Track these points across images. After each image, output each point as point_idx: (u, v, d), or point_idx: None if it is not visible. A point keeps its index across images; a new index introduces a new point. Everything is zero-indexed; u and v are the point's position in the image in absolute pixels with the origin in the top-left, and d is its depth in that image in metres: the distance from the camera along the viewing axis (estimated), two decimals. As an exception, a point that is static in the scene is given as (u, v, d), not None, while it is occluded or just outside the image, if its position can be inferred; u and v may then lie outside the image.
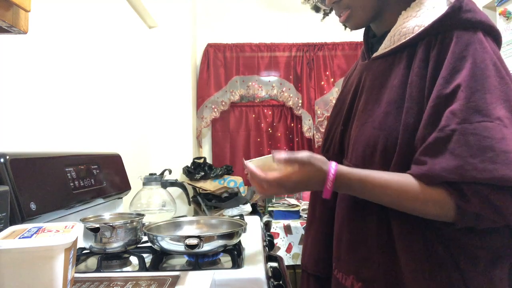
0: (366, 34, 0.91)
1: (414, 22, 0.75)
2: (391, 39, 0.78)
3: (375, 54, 0.84)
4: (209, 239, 0.91)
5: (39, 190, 0.96)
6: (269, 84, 2.98)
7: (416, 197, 0.68)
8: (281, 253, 2.33)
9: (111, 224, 0.96)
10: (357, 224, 0.79)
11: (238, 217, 1.33)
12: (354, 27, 0.86)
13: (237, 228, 1.01)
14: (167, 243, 0.92)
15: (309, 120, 2.93)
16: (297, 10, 3.03)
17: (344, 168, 0.73)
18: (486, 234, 0.70)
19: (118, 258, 0.99)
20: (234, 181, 2.70)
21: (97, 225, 0.94)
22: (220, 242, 0.93)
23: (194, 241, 0.87)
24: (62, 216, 1.06)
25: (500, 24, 2.14)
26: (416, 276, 0.70)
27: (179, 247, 0.90)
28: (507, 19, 2.10)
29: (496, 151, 0.62)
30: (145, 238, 1.08)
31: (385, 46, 0.80)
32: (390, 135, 0.73)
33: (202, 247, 0.88)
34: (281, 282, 1.00)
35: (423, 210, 0.69)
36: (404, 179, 0.70)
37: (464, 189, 0.65)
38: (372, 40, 0.89)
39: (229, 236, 0.95)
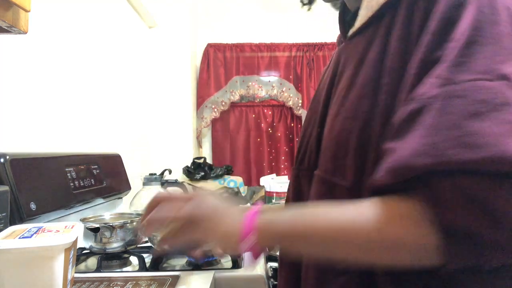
0: (341, 14, 0.74)
1: None
2: (368, 7, 0.59)
3: (351, 31, 0.64)
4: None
5: (39, 190, 0.96)
6: (269, 84, 2.98)
7: (375, 238, 0.45)
8: (281, 253, 2.33)
9: (111, 224, 0.96)
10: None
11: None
12: None
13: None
14: None
15: (309, 120, 2.93)
16: (297, 10, 3.03)
17: (261, 220, 0.53)
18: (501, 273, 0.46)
19: (118, 258, 0.99)
20: (234, 181, 2.70)
21: (97, 225, 0.94)
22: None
23: None
24: (62, 216, 1.06)
25: None
26: None
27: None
28: None
29: (492, 119, 0.40)
30: (145, 238, 1.08)
31: (362, 18, 0.60)
32: (366, 125, 0.53)
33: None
34: (281, 282, 1.00)
35: (389, 257, 0.46)
36: (353, 217, 0.47)
37: (442, 186, 0.41)
38: (348, 18, 0.70)
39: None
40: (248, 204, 0.55)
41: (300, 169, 0.69)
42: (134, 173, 1.77)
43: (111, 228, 0.95)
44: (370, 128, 0.52)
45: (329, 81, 0.67)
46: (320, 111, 0.67)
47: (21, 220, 0.86)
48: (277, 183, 2.78)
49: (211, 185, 2.57)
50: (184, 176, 2.59)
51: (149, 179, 1.53)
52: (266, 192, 2.74)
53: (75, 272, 0.69)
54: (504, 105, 0.41)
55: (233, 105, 2.98)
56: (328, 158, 0.58)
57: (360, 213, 0.47)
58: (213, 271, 0.88)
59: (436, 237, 0.42)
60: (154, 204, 0.60)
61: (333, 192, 0.56)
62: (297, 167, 0.71)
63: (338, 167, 0.56)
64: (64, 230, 0.61)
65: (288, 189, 0.74)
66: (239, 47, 2.95)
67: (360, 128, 0.53)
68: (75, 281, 0.74)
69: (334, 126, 0.58)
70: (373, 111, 0.53)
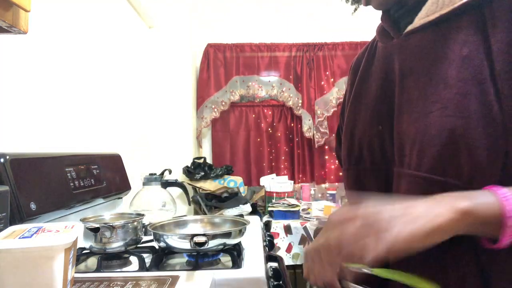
0: (386, 10, 0.71)
1: None
2: (437, 3, 0.58)
3: (410, 27, 0.63)
4: (216, 237, 0.92)
5: (39, 190, 0.96)
6: (269, 84, 2.98)
7: None
8: (281, 253, 2.33)
9: (111, 224, 0.96)
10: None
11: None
12: (379, 6, 0.69)
13: (241, 226, 1.01)
14: (174, 241, 0.93)
15: (309, 120, 2.93)
16: (297, 10, 3.03)
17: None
18: None
19: (118, 258, 0.99)
20: (234, 181, 2.70)
21: (97, 225, 0.94)
22: (226, 240, 0.94)
23: (202, 239, 0.87)
24: (62, 216, 1.06)
25: None
26: None
27: (186, 245, 0.90)
28: None
29: None
30: (145, 238, 1.08)
31: (427, 13, 0.60)
32: (477, 124, 0.52)
33: (209, 245, 0.89)
34: (281, 282, 1.00)
35: None
36: None
37: None
38: (397, 13, 0.68)
39: (234, 234, 0.96)
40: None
41: (360, 169, 0.69)
42: (134, 173, 1.77)
43: (111, 228, 0.95)
44: (480, 126, 0.52)
45: (381, 79, 0.67)
46: (378, 109, 0.67)
47: (21, 220, 0.86)
48: (277, 183, 2.78)
49: (211, 185, 2.57)
50: (184, 176, 2.59)
51: (149, 179, 1.53)
52: (266, 192, 2.74)
53: (75, 272, 0.69)
54: None
55: (233, 105, 2.98)
56: (433, 155, 0.55)
57: None
58: (213, 271, 0.88)
59: None
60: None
61: (446, 191, 0.51)
62: (354, 167, 0.71)
63: (448, 167, 0.54)
64: (64, 230, 0.61)
65: (348, 189, 0.73)
66: (239, 47, 2.95)
67: (469, 124, 0.53)
68: (75, 281, 0.74)
69: (428, 124, 0.56)
70: (481, 109, 0.52)
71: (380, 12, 0.71)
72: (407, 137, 0.59)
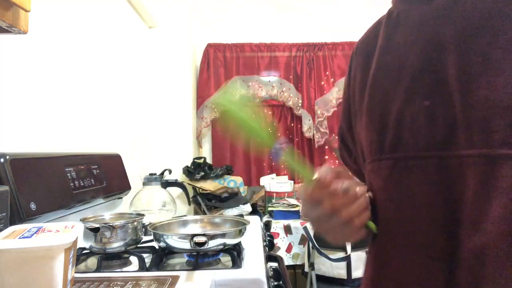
0: None
1: None
2: None
3: None
4: (216, 237, 0.92)
5: (39, 190, 0.96)
6: (269, 84, 2.98)
7: None
8: (281, 253, 2.33)
9: (111, 224, 0.96)
10: None
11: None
12: None
13: (241, 226, 1.01)
14: (174, 241, 0.93)
15: (309, 120, 2.93)
16: (297, 10, 3.03)
17: None
18: None
19: (118, 258, 0.99)
20: (234, 181, 2.70)
21: (97, 225, 0.94)
22: (226, 240, 0.94)
23: (202, 239, 0.87)
24: (62, 216, 1.06)
25: None
26: None
27: (186, 245, 0.90)
28: None
29: None
30: (145, 238, 1.08)
31: None
32: None
33: (209, 245, 0.89)
34: (281, 282, 1.00)
35: None
36: None
37: None
38: None
39: (234, 234, 0.96)
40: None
41: (399, 157, 0.55)
42: (134, 173, 1.77)
43: (111, 228, 0.95)
44: None
45: (422, 45, 0.55)
46: (420, 81, 0.55)
47: (21, 220, 0.86)
48: (277, 183, 2.78)
49: (211, 185, 2.57)
50: (184, 176, 2.59)
51: (149, 179, 1.53)
52: (266, 192, 2.74)
53: (75, 272, 0.69)
54: None
55: (233, 105, 2.98)
56: None
57: None
58: (213, 271, 0.88)
59: None
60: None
61: None
62: (387, 156, 0.57)
63: None
64: (64, 230, 0.61)
65: (382, 184, 0.59)
66: (239, 47, 2.95)
67: None
68: (75, 281, 0.74)
69: None
70: None
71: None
72: (495, 106, 0.47)
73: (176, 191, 1.85)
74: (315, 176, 0.54)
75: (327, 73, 2.96)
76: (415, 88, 0.55)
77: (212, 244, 0.91)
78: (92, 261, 1.00)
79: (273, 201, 2.62)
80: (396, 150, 0.56)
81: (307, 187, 0.54)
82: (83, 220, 1.00)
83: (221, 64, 2.94)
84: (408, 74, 0.56)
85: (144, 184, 1.54)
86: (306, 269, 2.21)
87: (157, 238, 0.96)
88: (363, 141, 0.63)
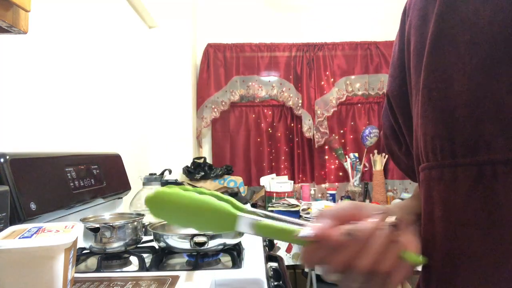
0: None
1: None
2: None
3: None
4: (216, 237, 0.92)
5: (39, 190, 0.96)
6: (269, 84, 2.98)
7: None
8: (281, 253, 2.33)
9: (111, 224, 0.96)
10: None
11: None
12: None
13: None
14: (174, 241, 0.93)
15: (309, 120, 2.93)
16: (297, 10, 3.03)
17: None
18: None
19: (118, 258, 0.99)
20: (234, 181, 2.70)
21: (97, 225, 0.94)
22: (226, 240, 0.94)
23: (202, 239, 0.87)
24: (62, 216, 1.06)
25: None
26: None
27: (186, 245, 0.90)
28: None
29: None
30: (145, 238, 1.08)
31: None
32: None
33: (209, 245, 0.89)
34: (281, 282, 1.00)
35: None
36: None
37: None
38: None
39: (234, 234, 0.96)
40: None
41: (483, 163, 0.37)
42: (134, 173, 1.77)
43: (111, 228, 0.95)
44: None
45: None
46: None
47: (21, 220, 0.86)
48: (277, 183, 2.78)
49: (211, 185, 2.57)
50: (184, 176, 2.59)
51: (149, 179, 1.53)
52: (266, 192, 2.74)
53: (75, 272, 0.69)
54: None
55: (233, 105, 2.98)
56: None
57: None
58: (213, 271, 0.88)
59: None
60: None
61: None
62: (466, 160, 0.39)
63: None
64: (64, 230, 0.60)
65: (459, 202, 0.40)
66: (239, 47, 2.95)
67: None
68: (75, 281, 0.74)
69: None
70: None
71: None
72: None
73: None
74: (305, 231, 0.40)
75: (327, 73, 2.95)
76: (499, 56, 0.37)
77: (212, 244, 0.91)
78: (92, 261, 1.00)
79: (273, 201, 2.62)
80: (478, 153, 0.37)
81: (305, 251, 0.41)
82: (83, 220, 1.00)
83: (221, 64, 2.94)
84: (488, 36, 0.38)
85: (144, 184, 1.54)
86: (306, 269, 2.21)
87: (157, 238, 0.96)
88: (419, 133, 0.44)
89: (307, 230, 0.39)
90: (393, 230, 0.39)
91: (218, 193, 0.47)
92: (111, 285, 0.79)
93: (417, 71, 0.45)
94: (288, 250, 2.37)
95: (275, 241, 2.25)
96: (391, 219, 0.40)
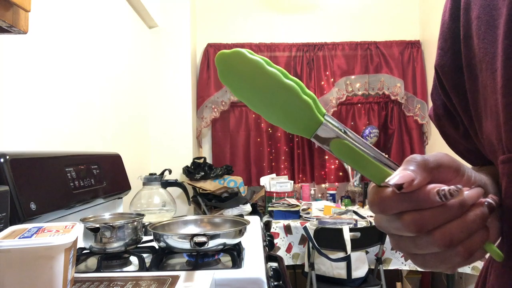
0: None
1: None
2: None
3: None
4: (216, 237, 0.92)
5: (39, 190, 0.96)
6: (269, 84, 2.98)
7: None
8: (281, 253, 2.33)
9: (111, 224, 0.96)
10: None
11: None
12: None
13: (241, 226, 1.01)
14: (174, 241, 0.93)
15: (309, 120, 2.93)
16: (297, 10, 3.03)
17: None
18: None
19: (118, 258, 0.99)
20: (234, 181, 2.70)
21: (97, 225, 0.94)
22: (226, 240, 0.94)
23: (202, 239, 0.87)
24: (62, 216, 1.06)
25: None
26: None
27: (186, 245, 0.90)
28: None
29: None
30: (145, 238, 1.08)
31: None
32: None
33: (209, 245, 0.89)
34: (281, 282, 1.00)
35: None
36: None
37: None
38: None
39: (234, 234, 0.96)
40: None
41: None
42: (134, 173, 1.77)
43: (111, 228, 0.95)
44: None
45: None
46: None
47: (21, 220, 0.86)
48: (277, 183, 2.78)
49: (211, 185, 2.57)
50: (184, 176, 2.59)
51: (149, 179, 1.53)
52: (266, 192, 2.74)
53: (75, 272, 0.69)
54: None
55: (233, 105, 2.98)
56: None
57: None
58: (213, 271, 0.88)
59: None
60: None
61: None
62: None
63: None
64: (64, 230, 0.60)
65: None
66: (239, 47, 2.95)
67: None
68: (75, 281, 0.74)
69: None
70: None
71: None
72: None
73: (176, 191, 1.85)
74: (393, 177, 0.33)
75: (327, 73, 2.95)
76: None
77: (212, 244, 0.91)
78: (92, 261, 1.00)
79: (273, 201, 2.62)
80: None
81: (377, 193, 0.35)
82: (83, 220, 1.00)
83: (221, 64, 2.94)
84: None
85: (144, 184, 1.54)
86: (306, 269, 2.21)
87: (157, 238, 0.96)
88: (500, 116, 0.37)
89: (397, 178, 0.33)
90: (488, 213, 0.34)
91: (286, 72, 0.37)
92: (111, 285, 0.79)
93: (488, 40, 0.39)
94: (288, 250, 2.36)
95: (275, 241, 2.25)
96: (488, 198, 0.35)
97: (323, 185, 2.99)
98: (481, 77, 0.40)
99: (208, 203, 2.49)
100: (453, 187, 0.32)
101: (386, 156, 0.36)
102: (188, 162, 2.64)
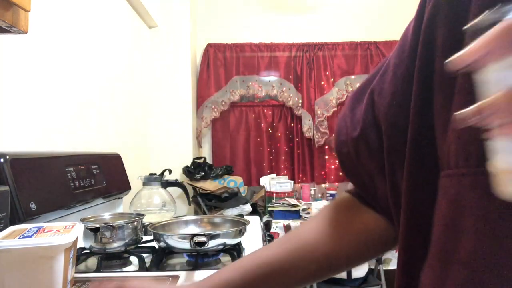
0: None
1: None
2: None
3: None
4: (216, 237, 0.92)
5: (39, 190, 0.96)
6: (269, 84, 2.98)
7: None
8: (281, 253, 2.33)
9: (111, 224, 0.96)
10: None
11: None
12: None
13: (241, 226, 1.01)
14: (174, 241, 0.93)
15: (309, 120, 2.93)
16: (297, 10, 3.03)
17: None
18: None
19: (118, 258, 0.99)
20: (234, 181, 2.70)
21: (97, 225, 0.94)
22: (226, 240, 0.93)
23: (202, 239, 0.87)
24: (62, 216, 1.06)
25: None
26: None
27: (186, 245, 0.90)
28: None
29: None
30: (145, 238, 1.08)
31: None
32: None
33: (209, 245, 0.89)
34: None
35: None
36: None
37: None
38: None
39: (234, 234, 0.96)
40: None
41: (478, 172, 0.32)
42: (134, 173, 1.77)
43: (111, 228, 0.95)
44: None
45: None
46: None
47: (21, 220, 0.86)
48: (277, 183, 2.78)
49: (211, 185, 2.57)
50: (184, 176, 2.59)
51: (149, 179, 1.53)
52: (266, 192, 2.74)
53: (75, 272, 0.69)
54: None
55: (233, 105, 2.98)
56: None
57: None
58: (213, 271, 0.88)
59: None
60: None
61: None
62: (462, 170, 0.34)
63: None
64: (64, 230, 0.60)
65: (441, 207, 0.37)
66: (239, 47, 2.95)
67: None
68: (75, 281, 0.74)
69: None
70: None
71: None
72: None
73: (176, 191, 1.85)
74: None
75: (327, 73, 2.96)
76: None
77: (212, 244, 0.91)
78: (92, 261, 1.00)
79: (273, 201, 2.62)
80: (474, 161, 0.33)
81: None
82: (83, 220, 1.00)
83: (221, 64, 2.94)
84: None
85: (144, 184, 1.54)
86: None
87: (157, 238, 0.96)
88: (449, 136, 0.37)
89: None
90: None
91: None
92: (111, 285, 0.79)
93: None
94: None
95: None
96: None
97: (323, 185, 2.99)
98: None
99: (208, 203, 2.49)
100: None
101: None
102: (188, 162, 2.64)
